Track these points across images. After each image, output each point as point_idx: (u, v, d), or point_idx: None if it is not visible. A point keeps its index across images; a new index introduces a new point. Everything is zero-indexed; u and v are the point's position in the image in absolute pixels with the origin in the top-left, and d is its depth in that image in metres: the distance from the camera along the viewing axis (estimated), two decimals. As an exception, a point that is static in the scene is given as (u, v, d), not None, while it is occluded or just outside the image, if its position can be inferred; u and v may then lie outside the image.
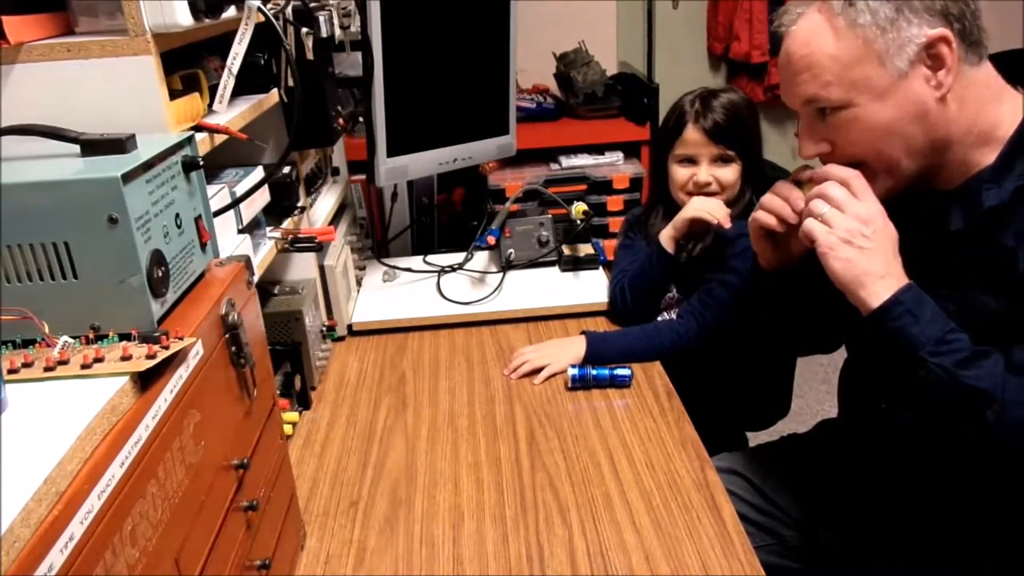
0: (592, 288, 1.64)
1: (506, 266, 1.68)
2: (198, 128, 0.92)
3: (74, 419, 0.54)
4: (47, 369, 0.61)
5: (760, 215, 1.06)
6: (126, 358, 0.61)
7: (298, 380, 1.28)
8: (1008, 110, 0.91)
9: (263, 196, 1.11)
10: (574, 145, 2.48)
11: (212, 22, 0.90)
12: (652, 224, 1.56)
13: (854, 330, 1.17)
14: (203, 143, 0.89)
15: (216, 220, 0.87)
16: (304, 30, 1.21)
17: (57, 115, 0.78)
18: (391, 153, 1.58)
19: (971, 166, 0.93)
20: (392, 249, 1.98)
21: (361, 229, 1.82)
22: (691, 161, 1.46)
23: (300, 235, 1.19)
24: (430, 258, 1.79)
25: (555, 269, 1.73)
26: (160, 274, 0.67)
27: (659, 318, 1.53)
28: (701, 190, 1.45)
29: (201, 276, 0.78)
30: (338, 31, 1.38)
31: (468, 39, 1.68)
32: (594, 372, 1.31)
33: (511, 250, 1.70)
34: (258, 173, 1.09)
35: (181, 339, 0.65)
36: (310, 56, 1.22)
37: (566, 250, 1.75)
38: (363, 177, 1.77)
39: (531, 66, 2.59)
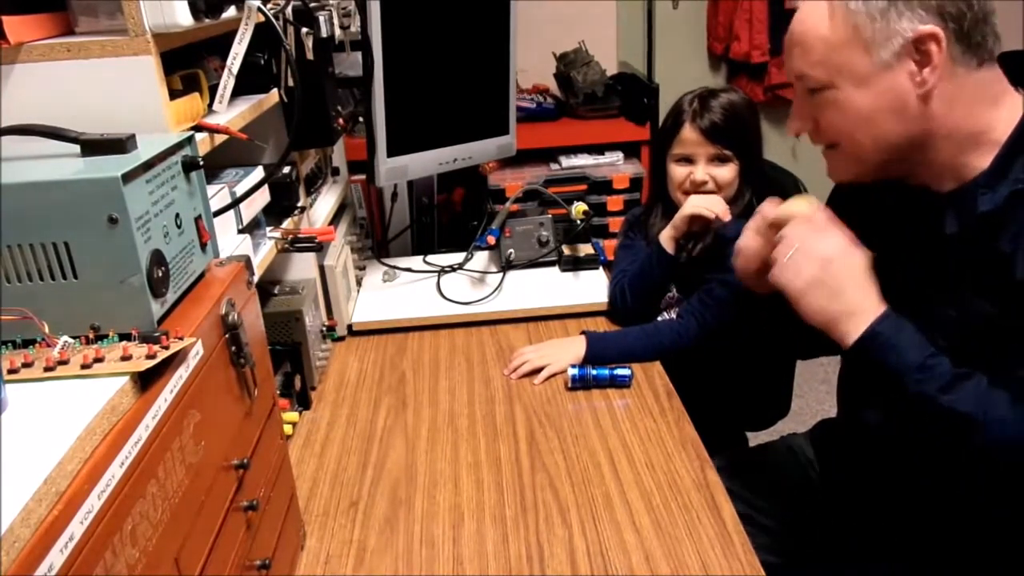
0: (592, 288, 1.64)
1: (506, 266, 1.68)
2: (198, 128, 0.92)
3: (74, 419, 0.54)
4: (47, 369, 0.61)
5: (740, 262, 1.09)
6: (126, 358, 0.61)
7: (298, 380, 1.28)
8: (1005, 114, 0.91)
9: (263, 196, 1.11)
10: (574, 145, 2.48)
11: (212, 22, 0.90)
12: (652, 224, 1.56)
13: None
14: (203, 143, 0.89)
15: (216, 220, 0.87)
16: (304, 30, 1.21)
17: (57, 115, 0.78)
18: (391, 153, 1.58)
19: (965, 168, 0.93)
20: (392, 249, 1.98)
21: (361, 229, 1.82)
22: (688, 160, 1.46)
23: (300, 235, 1.19)
24: (430, 258, 1.79)
25: (555, 269, 1.73)
26: (160, 274, 0.67)
27: (659, 318, 1.53)
28: (698, 189, 1.45)
29: (201, 276, 0.78)
30: (338, 31, 1.38)
31: (468, 39, 1.68)
32: (594, 372, 1.31)
33: (511, 250, 1.70)
34: (258, 173, 1.09)
35: (181, 339, 0.65)
36: (310, 56, 1.22)
37: (566, 250, 1.75)
38: (363, 177, 1.77)
39: (531, 66, 2.58)
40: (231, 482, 0.76)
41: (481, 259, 1.78)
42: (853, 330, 0.92)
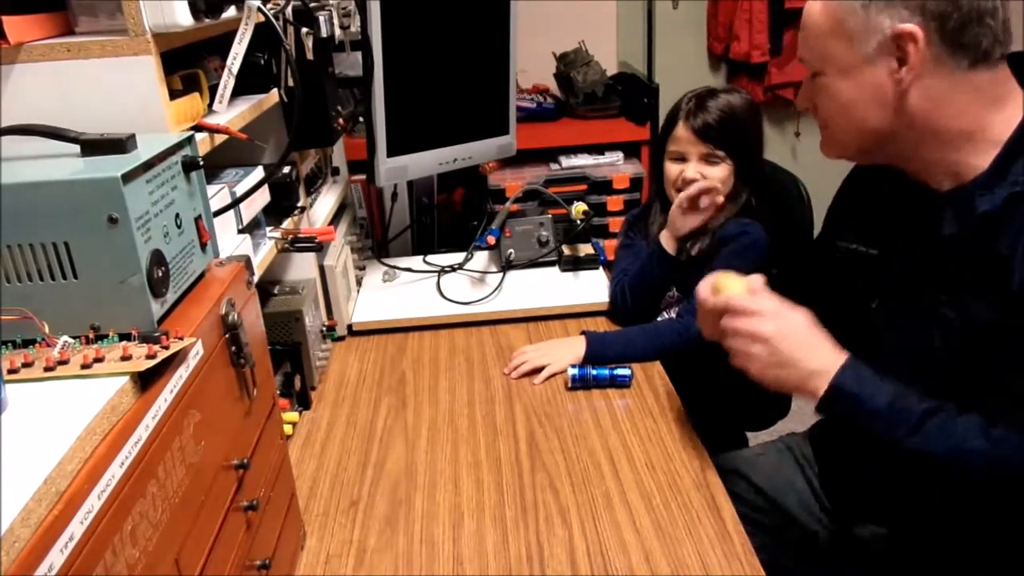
0: (592, 288, 1.64)
1: (506, 266, 1.68)
2: (198, 128, 0.92)
3: (74, 419, 0.54)
4: (47, 369, 0.61)
5: (704, 332, 1.11)
6: (126, 358, 0.61)
7: (298, 380, 1.28)
8: (1004, 115, 0.91)
9: (263, 196, 1.11)
10: (574, 145, 2.48)
11: (212, 22, 0.90)
12: (651, 223, 1.56)
13: (848, 338, 1.17)
14: (203, 143, 0.89)
15: (216, 220, 0.87)
16: (304, 30, 1.21)
17: (57, 115, 0.78)
18: (391, 153, 1.58)
19: (962, 168, 0.93)
20: (392, 249, 1.98)
21: (361, 229, 1.82)
22: (683, 158, 1.47)
23: (300, 235, 1.19)
24: (430, 258, 1.79)
25: (555, 269, 1.73)
26: (160, 274, 0.67)
27: (659, 318, 1.53)
28: (688, 187, 1.46)
29: (201, 276, 0.78)
30: (338, 31, 1.38)
31: (468, 39, 1.68)
32: (594, 372, 1.31)
33: (511, 250, 1.70)
34: (258, 173, 1.09)
35: (181, 339, 0.65)
36: (310, 56, 1.22)
37: (566, 250, 1.75)
38: (363, 177, 1.77)
39: (531, 66, 2.58)
40: (231, 482, 0.76)
41: (481, 259, 1.78)
42: (817, 390, 0.95)
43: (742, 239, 1.43)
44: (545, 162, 2.46)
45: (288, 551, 0.94)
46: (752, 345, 0.97)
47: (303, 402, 1.31)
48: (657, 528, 1.00)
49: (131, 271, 0.65)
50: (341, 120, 1.37)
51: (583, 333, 1.42)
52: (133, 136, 0.71)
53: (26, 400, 0.58)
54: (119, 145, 0.69)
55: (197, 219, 0.79)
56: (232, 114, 1.00)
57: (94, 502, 0.51)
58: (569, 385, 1.32)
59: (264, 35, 1.06)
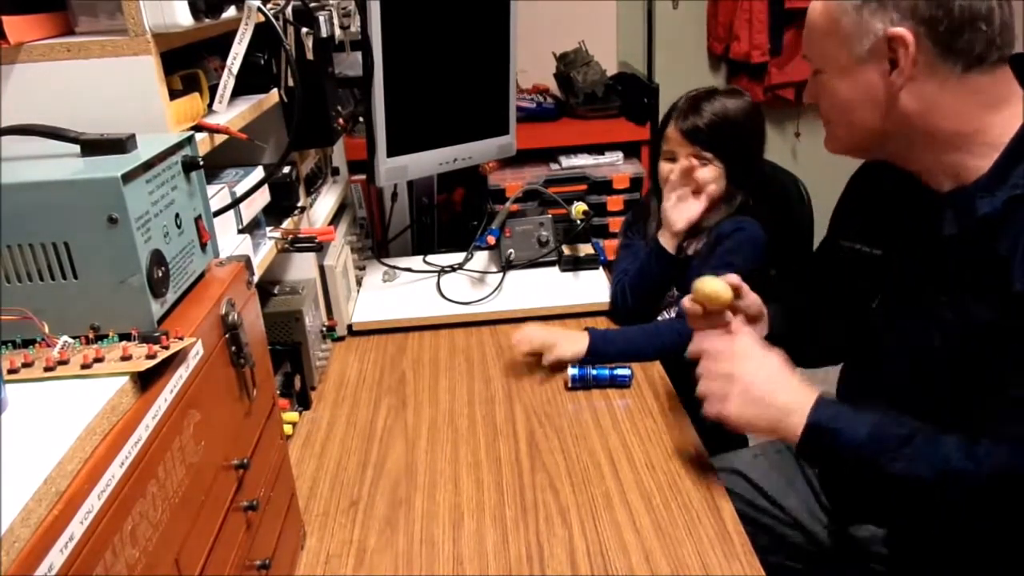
0: (592, 288, 1.64)
1: (506, 266, 1.68)
2: (198, 128, 0.92)
3: (74, 419, 0.54)
4: (47, 369, 0.61)
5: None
6: (126, 358, 0.61)
7: (298, 380, 1.28)
8: (1003, 118, 0.91)
9: (263, 196, 1.11)
10: (574, 145, 2.48)
11: (212, 22, 0.90)
12: (650, 222, 1.57)
13: (849, 338, 1.17)
14: (203, 143, 0.89)
15: (216, 220, 0.87)
16: (304, 30, 1.21)
17: (57, 115, 0.78)
18: (391, 153, 1.58)
19: (962, 169, 0.93)
20: (392, 249, 1.98)
21: (361, 229, 1.82)
22: (674, 158, 1.48)
23: (300, 235, 1.19)
24: (430, 258, 1.79)
25: (555, 269, 1.73)
26: (160, 274, 0.67)
27: (659, 317, 1.53)
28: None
29: (201, 276, 0.78)
30: (338, 31, 1.38)
31: (468, 39, 1.68)
32: (594, 372, 1.31)
33: (511, 250, 1.70)
34: (258, 173, 1.09)
35: (181, 339, 0.65)
36: (310, 56, 1.22)
37: (566, 250, 1.75)
38: (363, 177, 1.77)
39: (531, 66, 2.58)
40: (231, 482, 0.76)
41: (481, 259, 1.78)
42: (794, 429, 0.95)
43: (738, 236, 1.44)
44: (545, 162, 2.46)
45: (288, 551, 0.94)
46: (727, 387, 0.98)
47: (303, 402, 1.31)
48: (657, 528, 1.00)
49: (131, 271, 0.65)
50: (341, 120, 1.37)
51: (586, 330, 1.42)
52: (133, 136, 0.72)
53: (26, 400, 0.58)
54: (119, 145, 0.69)
55: (197, 219, 0.79)
56: (232, 114, 1.00)
57: (94, 502, 0.51)
58: (569, 385, 1.32)
59: (264, 35, 1.06)
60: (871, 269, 1.09)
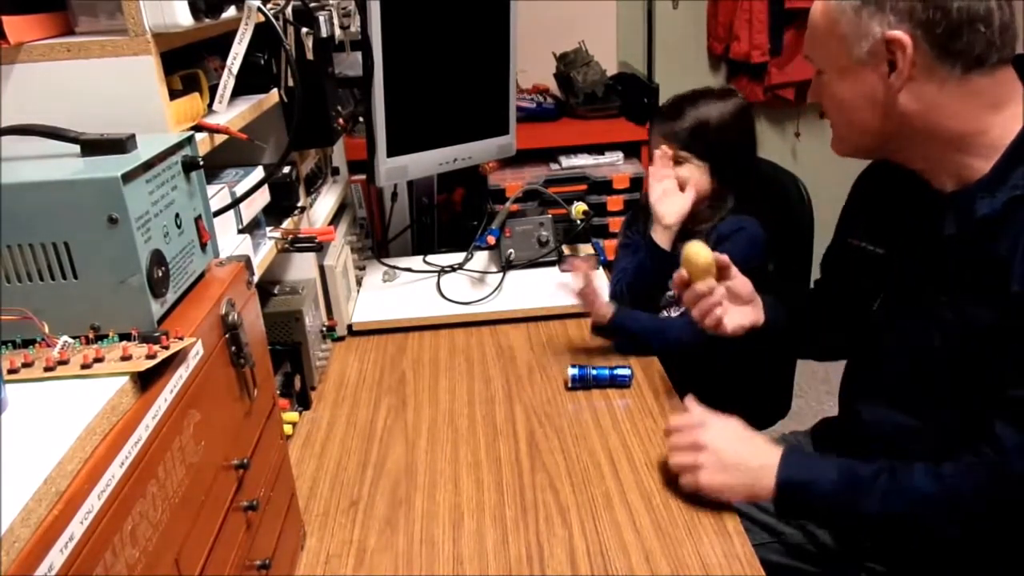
0: (592, 288, 1.64)
1: (506, 266, 1.68)
2: (198, 128, 0.92)
3: (74, 419, 0.54)
4: (47, 369, 0.61)
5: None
6: (126, 358, 0.61)
7: (298, 380, 1.28)
8: (1005, 118, 0.91)
9: (263, 196, 1.11)
10: (574, 145, 2.47)
11: (212, 22, 0.90)
12: (650, 221, 1.56)
13: (849, 337, 1.17)
14: (203, 143, 0.89)
15: (216, 220, 0.87)
16: (304, 30, 1.21)
17: (57, 115, 0.78)
18: (391, 153, 1.58)
19: (965, 169, 0.93)
20: (392, 249, 1.98)
21: (361, 229, 1.82)
22: None
23: (300, 235, 1.19)
24: (430, 258, 1.79)
25: (555, 269, 1.73)
26: (160, 274, 0.67)
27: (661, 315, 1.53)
28: None
29: (201, 276, 0.78)
30: (338, 31, 1.38)
31: (468, 39, 1.68)
32: (594, 372, 1.31)
33: (511, 250, 1.70)
34: (258, 173, 1.09)
35: (181, 339, 0.65)
36: (310, 56, 1.22)
37: (566, 250, 1.75)
38: (363, 177, 1.77)
39: (531, 66, 2.58)
40: (231, 482, 0.76)
41: (481, 259, 1.78)
42: (768, 486, 0.98)
43: (739, 235, 1.44)
44: (545, 162, 2.46)
45: (288, 551, 0.94)
46: (697, 456, 1.01)
47: (303, 402, 1.31)
48: (657, 528, 1.00)
49: (131, 271, 0.65)
50: (341, 120, 1.37)
51: (615, 309, 1.40)
52: (133, 136, 0.71)
53: (26, 400, 0.58)
54: (119, 145, 0.69)
55: (197, 219, 0.79)
56: (232, 114, 1.00)
57: (94, 502, 0.51)
58: (569, 385, 1.32)
59: (264, 35, 1.06)
60: (874, 268, 1.10)
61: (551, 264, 1.73)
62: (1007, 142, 0.91)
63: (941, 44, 0.88)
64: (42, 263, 0.64)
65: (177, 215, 0.73)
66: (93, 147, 0.70)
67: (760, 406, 1.69)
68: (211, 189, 0.91)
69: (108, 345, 0.64)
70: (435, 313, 1.57)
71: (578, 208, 1.71)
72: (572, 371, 1.31)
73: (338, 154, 1.69)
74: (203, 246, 0.79)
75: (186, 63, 0.96)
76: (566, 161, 2.44)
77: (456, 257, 1.76)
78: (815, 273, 1.35)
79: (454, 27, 1.64)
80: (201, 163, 0.79)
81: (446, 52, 1.64)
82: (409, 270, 1.74)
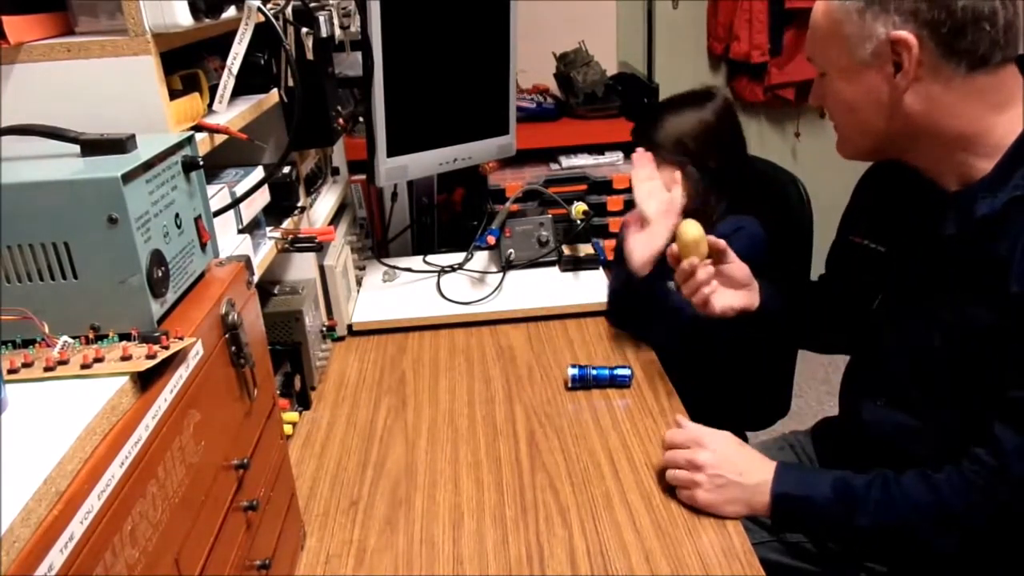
0: (592, 288, 1.64)
1: (506, 266, 1.68)
2: (198, 128, 0.92)
3: (74, 419, 0.54)
4: (47, 369, 0.61)
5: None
6: (126, 358, 0.61)
7: (298, 380, 1.28)
8: (1008, 119, 0.91)
9: (263, 196, 1.11)
10: (574, 145, 2.47)
11: (212, 22, 0.90)
12: None
13: (850, 335, 1.18)
14: (203, 143, 0.89)
15: (216, 220, 0.87)
16: (304, 30, 1.21)
17: (57, 115, 0.78)
18: (391, 153, 1.58)
19: (969, 169, 0.93)
20: (392, 249, 1.98)
21: (361, 229, 1.82)
22: None
23: (300, 235, 1.19)
24: (430, 258, 1.79)
25: (555, 269, 1.73)
26: (160, 274, 0.67)
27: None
28: None
29: (201, 276, 0.78)
30: (338, 31, 1.38)
31: (468, 39, 1.68)
32: (594, 372, 1.31)
33: (511, 250, 1.70)
34: (258, 173, 1.09)
35: (181, 339, 0.65)
36: (310, 56, 1.22)
37: (566, 250, 1.75)
38: (363, 177, 1.77)
39: (531, 66, 2.58)
40: (231, 482, 0.76)
41: (481, 259, 1.78)
42: (763, 502, 0.99)
43: (739, 235, 1.44)
44: (545, 162, 2.46)
45: (288, 551, 0.94)
46: (693, 475, 1.01)
47: (303, 402, 1.31)
48: (657, 528, 1.00)
49: (131, 271, 0.65)
50: (341, 120, 1.37)
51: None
52: (133, 136, 0.71)
53: (26, 400, 0.58)
54: (119, 145, 0.69)
55: (197, 219, 0.79)
56: (232, 114, 1.00)
57: (94, 502, 0.51)
58: (569, 385, 1.32)
59: (264, 35, 1.06)
60: (875, 266, 1.10)
61: (551, 264, 1.73)
62: (1010, 142, 0.91)
63: (946, 43, 0.88)
64: (42, 263, 0.64)
65: (177, 215, 0.73)
66: (93, 147, 0.70)
67: (760, 406, 1.69)
68: (211, 189, 0.91)
69: (108, 345, 0.64)
70: (435, 313, 1.57)
71: (578, 208, 1.71)
72: (572, 371, 1.31)
73: (338, 154, 1.69)
74: (203, 246, 0.79)
75: (186, 63, 0.96)
76: (566, 161, 2.44)
77: (456, 257, 1.76)
78: (815, 274, 1.35)
79: (454, 27, 1.64)
80: (201, 163, 0.79)
81: (446, 52, 1.64)
82: (409, 270, 1.74)
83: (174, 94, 0.89)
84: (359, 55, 1.49)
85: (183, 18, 0.84)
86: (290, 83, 1.17)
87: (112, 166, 0.64)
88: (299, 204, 1.27)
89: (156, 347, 0.63)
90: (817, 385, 2.69)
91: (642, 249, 1.35)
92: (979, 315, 0.91)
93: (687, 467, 1.02)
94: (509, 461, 1.15)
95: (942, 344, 0.96)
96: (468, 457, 1.16)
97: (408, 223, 1.99)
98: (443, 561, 0.97)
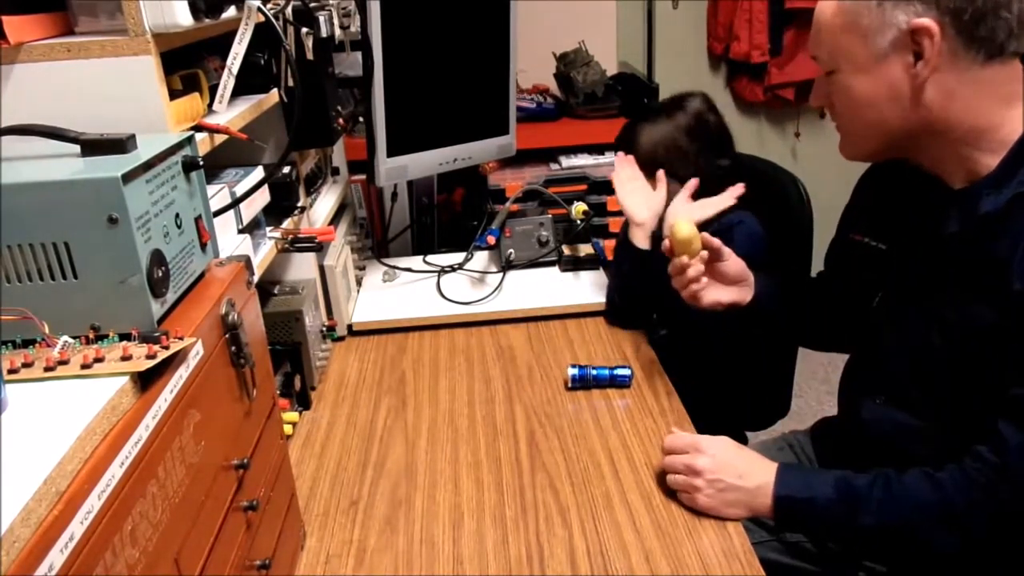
0: (592, 288, 1.64)
1: (506, 266, 1.68)
2: (198, 128, 0.92)
3: (74, 419, 0.54)
4: (47, 369, 0.61)
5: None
6: (126, 358, 0.61)
7: (298, 380, 1.28)
8: (1016, 115, 0.91)
9: (263, 196, 1.11)
10: (574, 145, 2.47)
11: (212, 22, 0.90)
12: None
13: (850, 334, 1.17)
14: (203, 143, 0.89)
15: (216, 220, 0.87)
16: (304, 30, 1.21)
17: (57, 115, 0.78)
18: (391, 153, 1.58)
19: (974, 165, 0.93)
20: (392, 249, 1.98)
21: (361, 229, 1.82)
22: None
23: (300, 235, 1.19)
24: (430, 258, 1.79)
25: (555, 269, 1.73)
26: (160, 274, 0.67)
27: None
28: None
29: (201, 276, 0.78)
30: (338, 31, 1.38)
31: (468, 39, 1.68)
32: (594, 372, 1.31)
33: (511, 250, 1.70)
34: (258, 173, 1.09)
35: (181, 339, 0.65)
36: (310, 56, 1.22)
37: (566, 250, 1.75)
38: (363, 177, 1.77)
39: (531, 66, 2.58)
40: (231, 482, 0.76)
41: (481, 259, 1.78)
42: (765, 504, 0.99)
43: (738, 230, 1.44)
44: (545, 162, 2.46)
45: (288, 551, 0.94)
46: (693, 480, 1.01)
47: (303, 402, 1.31)
48: (657, 528, 1.00)
49: (131, 271, 0.65)
50: (341, 120, 1.37)
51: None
52: (133, 136, 0.72)
53: (26, 400, 0.58)
54: (119, 145, 0.69)
55: (197, 219, 0.79)
56: (232, 114, 1.00)
57: (94, 502, 0.51)
58: (569, 385, 1.32)
59: (264, 35, 1.06)
60: (876, 264, 1.10)
61: (551, 264, 1.73)
62: (1015, 138, 0.91)
63: (967, 31, 0.88)
64: (42, 263, 0.64)
65: (177, 215, 0.73)
66: (93, 147, 0.70)
67: (760, 406, 1.69)
68: (211, 189, 0.91)
69: (108, 345, 0.64)
70: (435, 313, 1.57)
71: (578, 208, 1.71)
72: (572, 371, 1.31)
73: (338, 154, 1.69)
74: (203, 246, 0.79)
75: (186, 63, 0.96)
76: (566, 161, 2.44)
77: (456, 257, 1.76)
78: (814, 273, 1.35)
79: (454, 27, 1.64)
80: (201, 163, 0.79)
81: (446, 52, 1.64)
82: (409, 270, 1.74)
83: (174, 94, 0.89)
84: (359, 55, 1.49)
85: (183, 18, 0.84)
86: (290, 83, 1.17)
87: (112, 166, 0.64)
88: (299, 204, 1.27)
89: (156, 347, 0.63)
90: (817, 385, 2.69)
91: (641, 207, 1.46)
92: (981, 313, 0.91)
93: (686, 472, 1.02)
94: (509, 461, 1.15)
95: (942, 342, 0.96)
96: (468, 457, 1.16)
97: (408, 223, 1.99)
98: (443, 561, 0.97)
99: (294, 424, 1.25)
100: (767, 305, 1.25)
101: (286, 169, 1.21)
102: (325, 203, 1.49)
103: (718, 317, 1.25)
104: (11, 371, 0.61)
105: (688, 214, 1.42)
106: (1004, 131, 0.91)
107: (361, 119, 1.53)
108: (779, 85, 2.89)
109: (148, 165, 0.68)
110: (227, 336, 0.76)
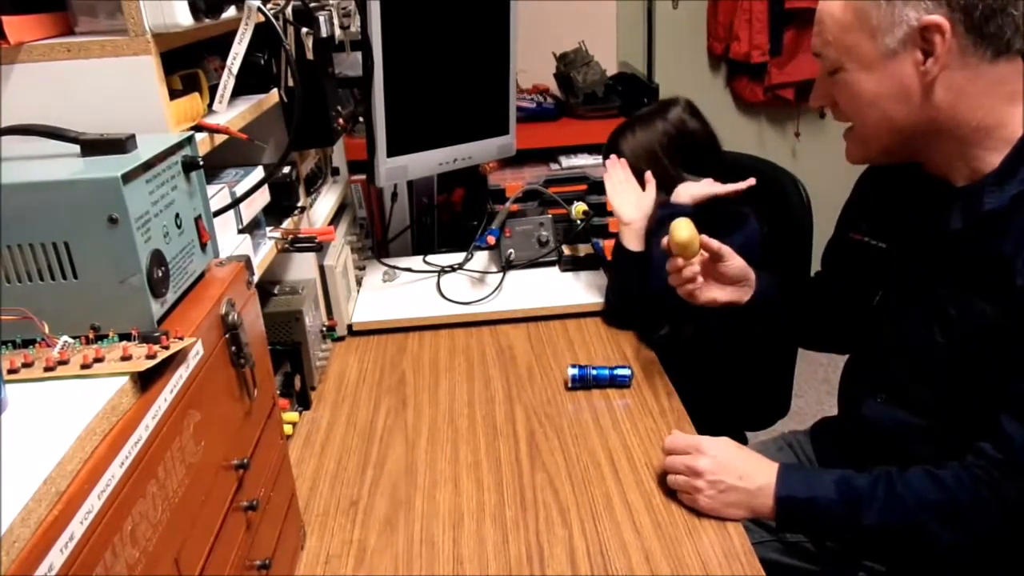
0: (592, 288, 1.64)
1: (506, 266, 1.68)
2: (198, 128, 0.92)
3: (74, 419, 0.54)
4: (47, 369, 0.61)
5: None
6: (126, 358, 0.61)
7: (298, 380, 1.28)
8: (1020, 111, 0.91)
9: (263, 196, 1.11)
10: (574, 145, 2.47)
11: (212, 22, 0.90)
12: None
13: (851, 333, 1.18)
14: (203, 143, 0.89)
15: (216, 220, 0.87)
16: (304, 30, 1.21)
17: (57, 115, 0.78)
18: (391, 153, 1.58)
19: (978, 163, 0.93)
20: (392, 249, 1.98)
21: (361, 229, 1.82)
22: None
23: (300, 235, 1.19)
24: (430, 258, 1.79)
25: (555, 269, 1.73)
26: (160, 274, 0.67)
27: None
28: None
29: (201, 276, 0.78)
30: (338, 31, 1.38)
31: (468, 39, 1.68)
32: (594, 372, 1.31)
33: (511, 250, 1.70)
34: (258, 173, 1.09)
35: (181, 339, 0.65)
36: (310, 56, 1.22)
37: (566, 250, 1.75)
38: (363, 177, 1.77)
39: (531, 66, 2.58)
40: (231, 482, 0.76)
41: (481, 259, 1.78)
42: (767, 504, 0.99)
43: (736, 235, 1.44)
44: (545, 162, 2.46)
45: (288, 551, 0.94)
46: (694, 482, 1.01)
47: (303, 402, 1.31)
48: (657, 528, 1.00)
49: (131, 271, 0.65)
50: (341, 120, 1.37)
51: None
52: (133, 136, 0.72)
53: (26, 400, 0.58)
54: (119, 145, 0.69)
55: (197, 219, 0.79)
56: (232, 114, 1.00)
57: (94, 502, 0.51)
58: (569, 385, 1.32)
59: (264, 35, 1.06)
60: (876, 262, 1.10)
61: (551, 264, 1.73)
62: (1019, 134, 0.91)
63: (977, 28, 0.88)
64: (42, 263, 0.64)
65: (177, 215, 0.73)
66: (93, 147, 0.70)
67: (760, 406, 1.69)
68: (211, 189, 0.91)
69: (108, 345, 0.64)
70: (435, 313, 1.57)
71: (578, 208, 1.71)
72: (572, 371, 1.31)
73: (338, 154, 1.69)
74: (203, 246, 0.79)
75: (186, 63, 0.96)
76: (566, 161, 2.44)
77: (456, 257, 1.76)
78: (813, 273, 1.35)
79: (454, 27, 1.64)
80: (201, 163, 0.79)
81: (446, 52, 1.64)
82: (409, 270, 1.74)
83: (174, 94, 0.89)
84: (359, 55, 1.49)
85: (183, 18, 0.84)
86: (290, 83, 1.17)
87: (112, 166, 0.64)
88: (299, 204, 1.27)
89: (156, 347, 0.63)
90: (817, 385, 2.69)
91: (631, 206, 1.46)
92: (983, 310, 0.91)
93: (687, 473, 1.02)
94: (509, 461, 1.15)
95: (944, 340, 0.96)
96: (468, 457, 1.16)
97: (408, 223, 1.99)
98: (443, 561, 0.97)
99: (294, 424, 1.25)
100: (765, 302, 1.25)
101: (286, 169, 1.21)
102: (325, 203, 1.49)
103: (718, 316, 1.25)
104: (11, 371, 0.61)
105: (695, 190, 1.42)
106: (1008, 129, 0.91)
107: (361, 119, 1.53)
108: (779, 85, 2.89)
109: (148, 165, 0.68)
110: (227, 336, 0.76)
